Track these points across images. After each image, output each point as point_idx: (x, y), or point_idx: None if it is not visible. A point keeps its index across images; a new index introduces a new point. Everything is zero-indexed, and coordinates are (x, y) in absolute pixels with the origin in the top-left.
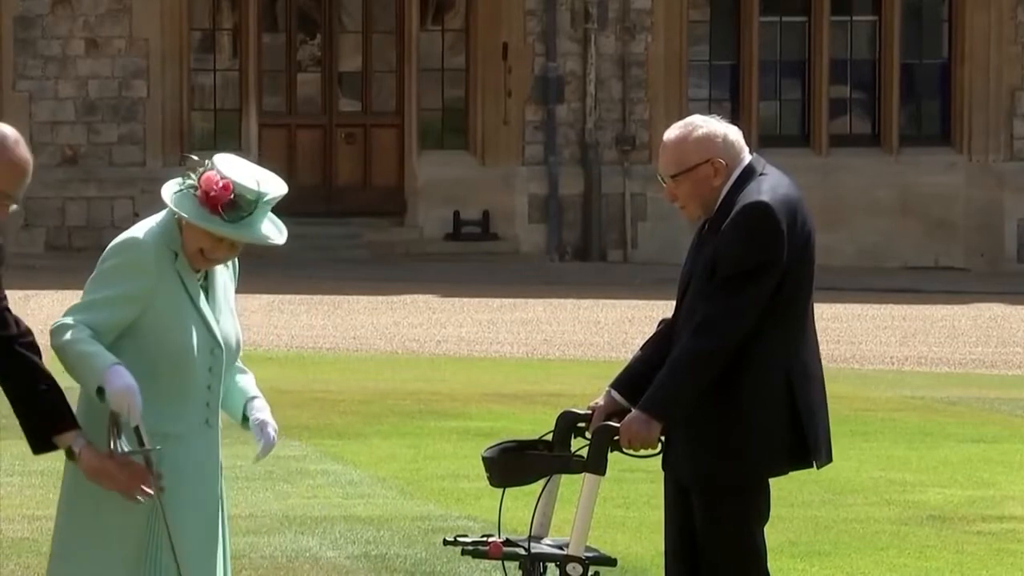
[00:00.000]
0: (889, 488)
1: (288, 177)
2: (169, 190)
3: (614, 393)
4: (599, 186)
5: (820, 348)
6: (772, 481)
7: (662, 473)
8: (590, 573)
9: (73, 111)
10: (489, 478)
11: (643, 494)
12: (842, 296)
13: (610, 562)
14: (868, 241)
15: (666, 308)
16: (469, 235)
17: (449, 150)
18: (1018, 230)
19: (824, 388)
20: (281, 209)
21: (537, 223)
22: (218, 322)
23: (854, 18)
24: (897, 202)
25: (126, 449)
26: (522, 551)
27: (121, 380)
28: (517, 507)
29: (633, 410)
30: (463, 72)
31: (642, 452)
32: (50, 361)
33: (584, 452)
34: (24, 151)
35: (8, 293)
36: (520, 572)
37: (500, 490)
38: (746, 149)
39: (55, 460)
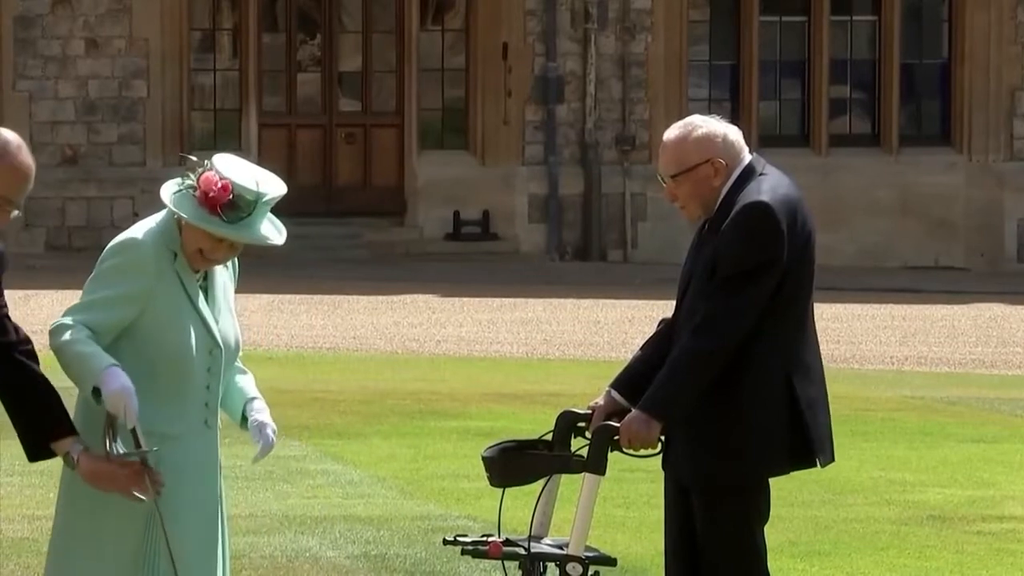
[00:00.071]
0: (889, 488)
1: (288, 177)
2: (168, 190)
3: (614, 393)
4: (599, 186)
5: (820, 348)
6: (772, 481)
7: (662, 473)
8: (590, 573)
9: (73, 111)
10: (489, 478)
11: (643, 494)
12: (842, 296)
13: (610, 562)
14: (868, 241)
15: (666, 308)
16: (469, 235)
17: (449, 150)
18: (1018, 230)
19: (825, 387)
20: (281, 209)
21: (537, 223)
22: (217, 322)
23: (854, 18)
24: (897, 202)
25: (122, 451)
26: (522, 551)
27: (117, 382)
28: (517, 507)
29: (633, 410)
30: (463, 72)
31: (642, 452)
32: (47, 362)
33: (584, 452)
34: (26, 157)
35: (8, 293)
36: (520, 572)
37: (500, 490)
38: (746, 149)
39: (55, 460)
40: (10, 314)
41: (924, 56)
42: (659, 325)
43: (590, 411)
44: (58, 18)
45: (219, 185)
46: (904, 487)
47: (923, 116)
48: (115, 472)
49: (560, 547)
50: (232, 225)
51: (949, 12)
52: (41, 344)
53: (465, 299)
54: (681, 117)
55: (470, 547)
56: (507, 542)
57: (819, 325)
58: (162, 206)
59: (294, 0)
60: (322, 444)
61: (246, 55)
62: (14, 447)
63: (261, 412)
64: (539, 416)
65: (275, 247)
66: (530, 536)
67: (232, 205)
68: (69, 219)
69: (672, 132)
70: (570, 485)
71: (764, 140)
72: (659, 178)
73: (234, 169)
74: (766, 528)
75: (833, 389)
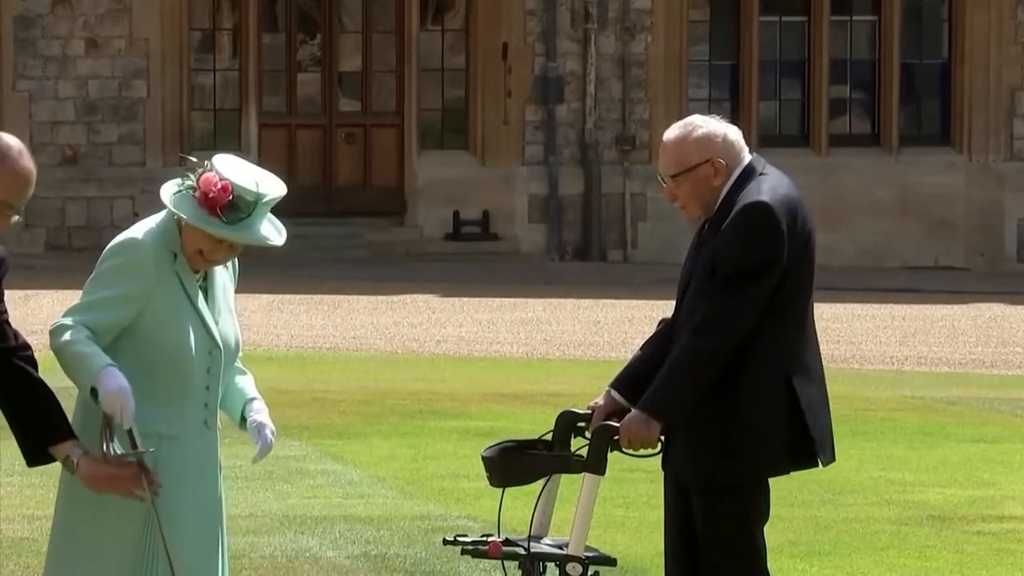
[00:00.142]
0: (889, 488)
1: (288, 177)
2: (168, 191)
3: (614, 393)
4: (599, 186)
5: (820, 348)
6: (772, 481)
7: (662, 473)
8: (590, 573)
9: (73, 111)
10: (489, 478)
11: (643, 494)
12: (842, 296)
13: (610, 562)
14: (868, 241)
15: (666, 308)
16: (469, 235)
17: (449, 150)
18: (1018, 230)
19: (825, 387)
20: (281, 209)
21: (537, 223)
22: (217, 323)
23: (854, 18)
24: (897, 202)
25: (119, 452)
26: (522, 551)
27: (114, 382)
28: (517, 507)
29: (633, 410)
30: (463, 72)
31: (642, 452)
32: (46, 362)
33: (584, 452)
34: (27, 162)
35: (8, 293)
36: (520, 572)
37: (500, 490)
38: (746, 149)
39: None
40: (10, 314)
41: (924, 56)
42: (659, 325)
43: (590, 411)
44: (58, 18)
45: (219, 186)
46: (904, 487)
47: (923, 116)
48: (113, 473)
49: (560, 547)
50: (232, 226)
51: (949, 12)
52: (41, 344)
53: (465, 299)
54: (681, 117)
55: (470, 547)
56: (507, 542)
57: (819, 325)
58: (162, 206)
59: (294, 0)
60: (322, 444)
61: (246, 55)
62: (14, 447)
63: (260, 413)
64: (539, 416)
65: (275, 247)
66: (530, 536)
67: (232, 206)
68: (69, 219)
69: (672, 132)
70: (570, 485)
71: (764, 140)
72: (659, 178)
73: (234, 170)
74: (766, 528)
75: (833, 389)
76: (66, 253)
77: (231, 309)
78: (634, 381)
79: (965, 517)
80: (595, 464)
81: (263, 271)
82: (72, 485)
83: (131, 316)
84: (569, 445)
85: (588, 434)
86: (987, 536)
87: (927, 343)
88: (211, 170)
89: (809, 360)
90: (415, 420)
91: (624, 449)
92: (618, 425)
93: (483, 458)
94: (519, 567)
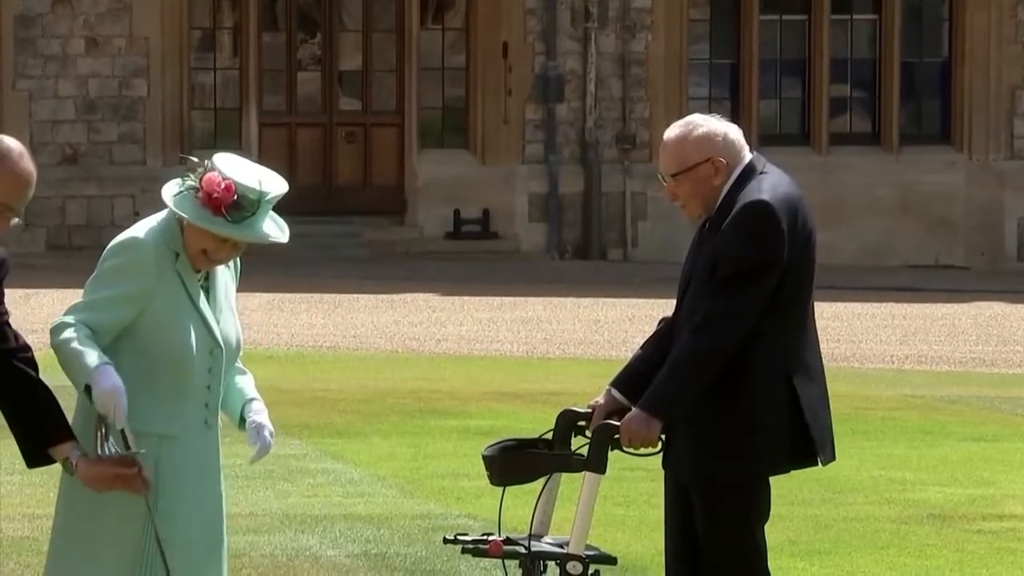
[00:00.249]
0: (889, 487)
1: (288, 176)
2: (169, 192)
3: (614, 392)
4: (599, 185)
5: (821, 347)
6: (772, 480)
7: (662, 472)
8: (590, 571)
9: (73, 110)
10: (489, 477)
11: (643, 493)
12: (842, 295)
13: (610, 560)
14: (869, 240)
15: (666, 307)
16: (469, 234)
17: (449, 149)
18: (1018, 229)
19: (825, 387)
20: (281, 208)
21: (537, 222)
22: (218, 322)
23: (854, 17)
24: (897, 201)
25: (113, 451)
26: (522, 549)
27: (108, 381)
28: (517, 505)
29: (633, 409)
30: (463, 71)
31: (642, 451)
32: (46, 361)
33: (584, 451)
34: (28, 164)
35: (8, 292)
36: (520, 571)
37: (500, 489)
38: (746, 148)
39: None
40: (10, 313)
41: (924, 55)
42: (659, 324)
43: (590, 410)
44: (58, 17)
45: (222, 186)
46: (904, 486)
47: (923, 115)
48: (112, 472)
49: (560, 546)
50: (236, 225)
51: (949, 11)
52: (41, 343)
53: (465, 298)
54: (681, 116)
55: (470, 546)
56: (507, 541)
57: (819, 324)
58: (163, 205)
59: None
60: (322, 443)
61: (246, 54)
62: (15, 447)
63: (259, 413)
64: (539, 415)
65: (278, 245)
66: (530, 535)
67: (236, 205)
68: (69, 218)
69: (672, 131)
70: (570, 484)
71: (764, 139)
72: (659, 177)
73: (236, 168)
74: (766, 527)
75: (833, 388)
76: (66, 252)
77: (232, 308)
78: (634, 380)
79: (965, 516)
80: (595, 463)
81: (264, 269)
82: (72, 486)
83: (132, 316)
84: (569, 444)
85: (588, 433)
86: (987, 535)
87: (927, 342)
88: (213, 170)
89: (810, 359)
90: (415, 419)
91: (624, 448)
92: (618, 424)
93: (483, 457)
94: (520, 566)
